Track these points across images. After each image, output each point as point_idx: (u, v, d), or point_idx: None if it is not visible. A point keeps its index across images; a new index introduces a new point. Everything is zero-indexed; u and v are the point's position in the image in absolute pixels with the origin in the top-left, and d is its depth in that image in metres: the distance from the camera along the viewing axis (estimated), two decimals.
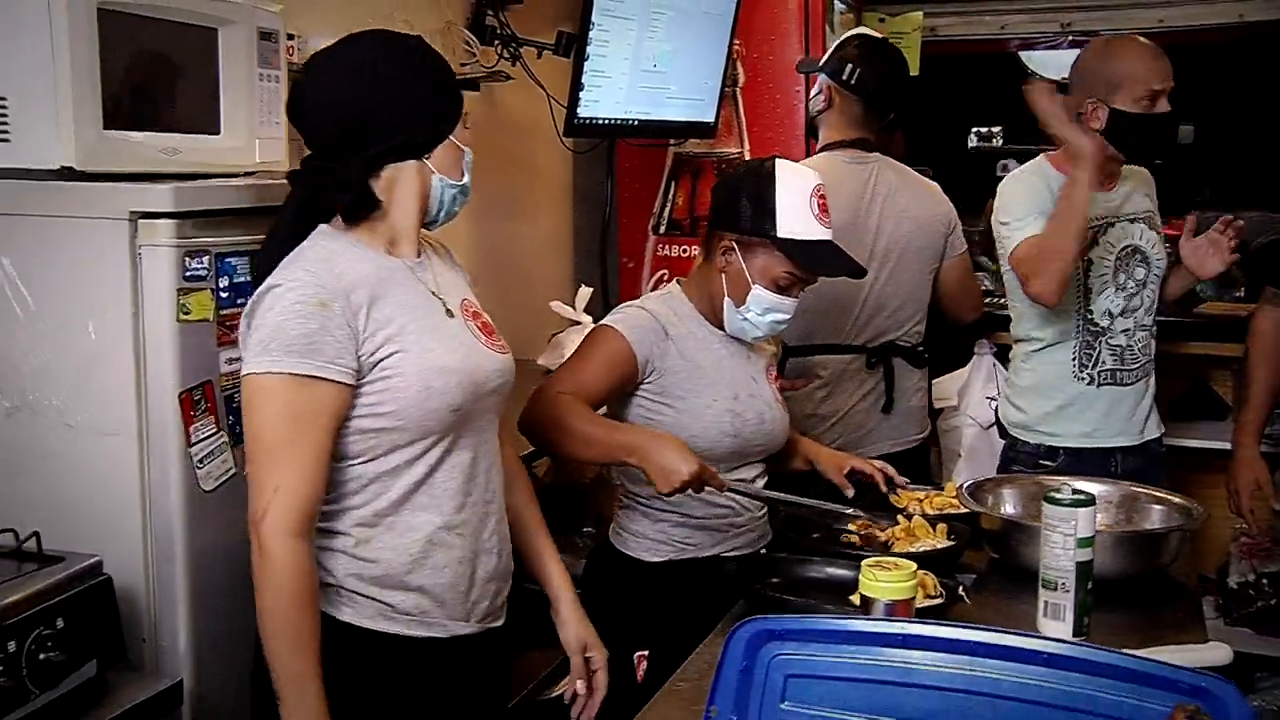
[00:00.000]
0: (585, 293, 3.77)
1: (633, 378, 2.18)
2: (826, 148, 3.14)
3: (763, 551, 2.31)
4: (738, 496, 2.23)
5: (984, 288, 3.71)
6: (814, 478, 2.44)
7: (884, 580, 1.63)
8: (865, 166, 3.08)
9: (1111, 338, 2.81)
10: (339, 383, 1.62)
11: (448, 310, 1.80)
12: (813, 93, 3.21)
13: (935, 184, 3.24)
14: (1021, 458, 2.93)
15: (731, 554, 2.26)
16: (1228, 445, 3.89)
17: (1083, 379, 2.83)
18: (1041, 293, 2.66)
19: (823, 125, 3.17)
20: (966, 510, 2.30)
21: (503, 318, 3.98)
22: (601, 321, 2.22)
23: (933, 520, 2.30)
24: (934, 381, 3.93)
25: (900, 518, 2.32)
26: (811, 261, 2.20)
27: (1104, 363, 2.82)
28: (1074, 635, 1.88)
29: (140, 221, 1.81)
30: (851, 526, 2.30)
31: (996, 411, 3.19)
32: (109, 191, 1.81)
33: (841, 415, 3.03)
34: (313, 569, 1.61)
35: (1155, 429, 2.93)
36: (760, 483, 2.35)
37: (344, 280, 1.66)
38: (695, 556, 2.25)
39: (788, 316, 2.23)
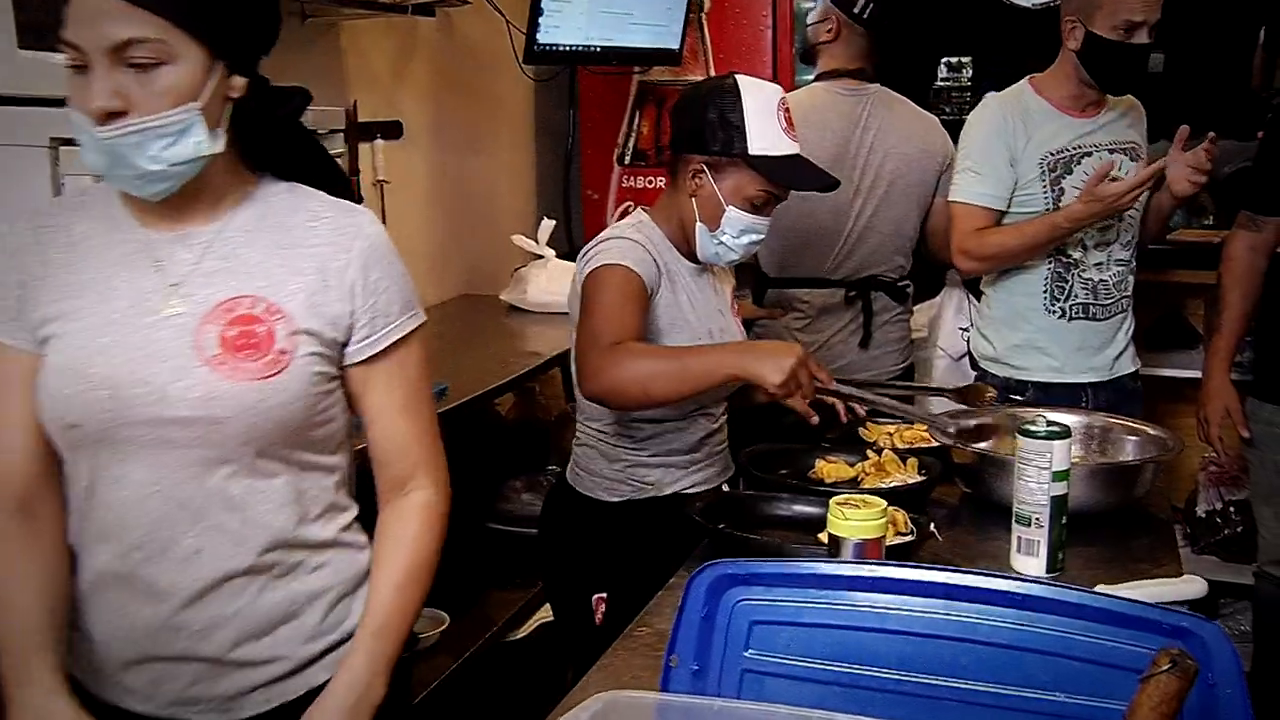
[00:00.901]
0: (548, 226, 3.68)
1: (646, 308, 2.06)
2: (823, 76, 3.05)
3: (725, 487, 2.24)
4: (701, 423, 2.18)
5: None
6: (776, 410, 2.36)
7: (853, 518, 1.56)
8: (858, 98, 2.99)
9: (1084, 271, 2.76)
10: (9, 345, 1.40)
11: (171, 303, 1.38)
12: (813, 19, 3.08)
13: (934, 118, 3.15)
14: (994, 388, 2.88)
15: (693, 490, 2.18)
16: (1200, 374, 3.88)
17: (1054, 312, 2.79)
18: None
19: (823, 54, 3.05)
20: (937, 444, 2.24)
21: (463, 253, 3.99)
22: (599, 261, 2.04)
23: (903, 455, 2.24)
24: None
25: (870, 452, 2.26)
26: (785, 177, 2.11)
27: (1076, 296, 2.77)
28: (1048, 571, 1.82)
29: (62, 149, 1.70)
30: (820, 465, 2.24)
31: (968, 344, 3.15)
32: (26, 116, 1.71)
33: (818, 347, 2.96)
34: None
35: (1130, 364, 2.90)
36: (722, 419, 2.29)
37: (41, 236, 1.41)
38: (655, 495, 2.17)
39: (762, 236, 2.14)
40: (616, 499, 2.18)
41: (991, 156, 2.73)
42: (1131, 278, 2.85)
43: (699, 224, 2.11)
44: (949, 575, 1.19)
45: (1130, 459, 2.18)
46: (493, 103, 4.14)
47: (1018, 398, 2.81)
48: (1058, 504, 1.80)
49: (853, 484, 2.18)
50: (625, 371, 1.91)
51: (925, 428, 2.45)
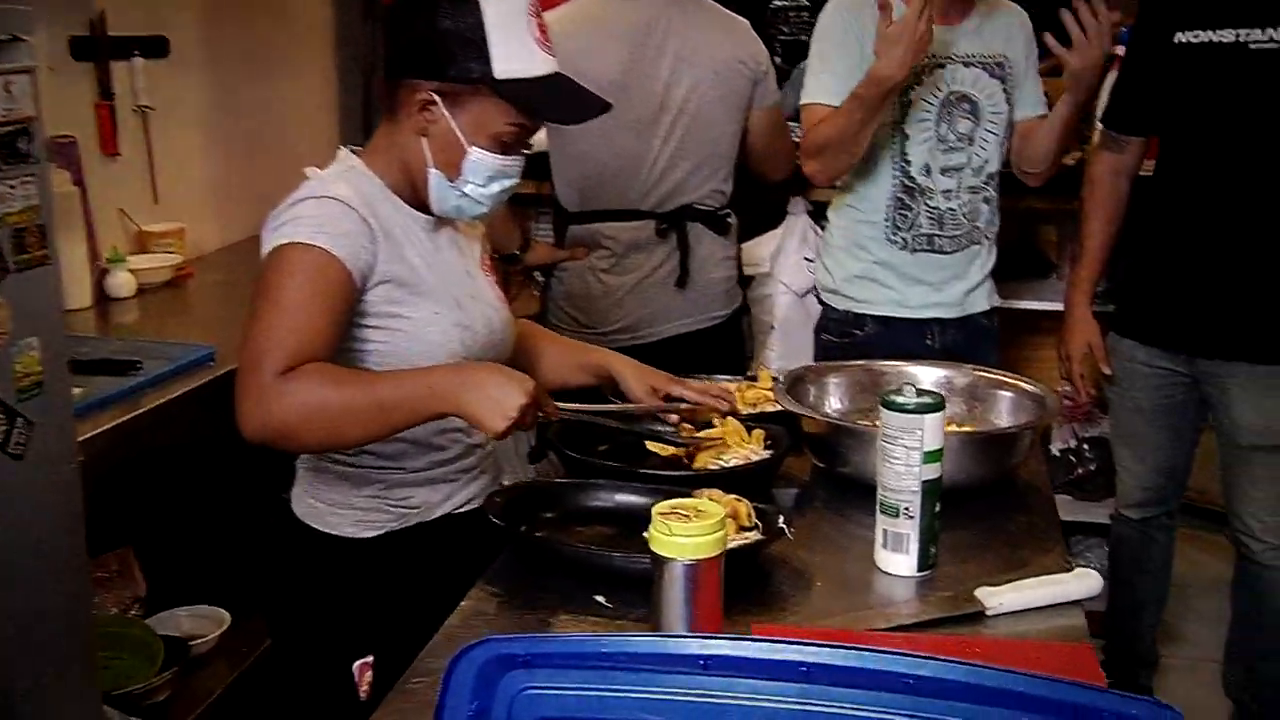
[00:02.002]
0: (347, 155, 3.25)
1: (350, 306, 1.58)
2: None
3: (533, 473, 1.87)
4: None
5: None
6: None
7: (682, 534, 1.22)
8: (647, 2, 2.59)
9: (930, 199, 2.51)
10: None
11: None
12: None
13: (745, 22, 2.78)
14: (830, 325, 2.69)
15: (469, 505, 1.76)
16: (1055, 306, 3.67)
17: (895, 242, 2.55)
18: (814, 175, 2.53)
19: None
20: (783, 409, 1.91)
21: (251, 189, 3.52)
22: (285, 237, 1.55)
23: (747, 423, 1.91)
24: (743, 246, 3.57)
25: (716, 417, 1.93)
26: (543, 105, 1.65)
27: (920, 226, 2.53)
28: (919, 570, 1.52)
29: None
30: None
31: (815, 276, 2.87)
32: None
33: (629, 290, 2.60)
34: None
35: (984, 302, 2.66)
36: None
37: None
38: (423, 521, 1.73)
39: (516, 181, 1.69)
40: (372, 533, 1.70)
41: (840, 55, 2.45)
42: (986, 208, 2.59)
43: (432, 171, 1.64)
44: (809, 651, 0.85)
45: (1004, 423, 1.89)
46: (282, 16, 3.71)
47: (856, 332, 2.59)
48: (930, 490, 1.50)
49: (687, 461, 1.85)
50: (295, 409, 1.45)
51: (769, 385, 2.14)
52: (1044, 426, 1.80)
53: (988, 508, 1.72)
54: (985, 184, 2.56)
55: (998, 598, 1.43)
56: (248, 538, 1.90)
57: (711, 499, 1.59)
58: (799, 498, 1.82)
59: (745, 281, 3.57)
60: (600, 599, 1.46)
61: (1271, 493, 2.64)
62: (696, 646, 0.86)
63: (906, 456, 1.48)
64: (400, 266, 1.63)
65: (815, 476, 1.88)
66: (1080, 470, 3.73)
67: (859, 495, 1.75)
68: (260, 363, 1.47)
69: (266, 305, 1.51)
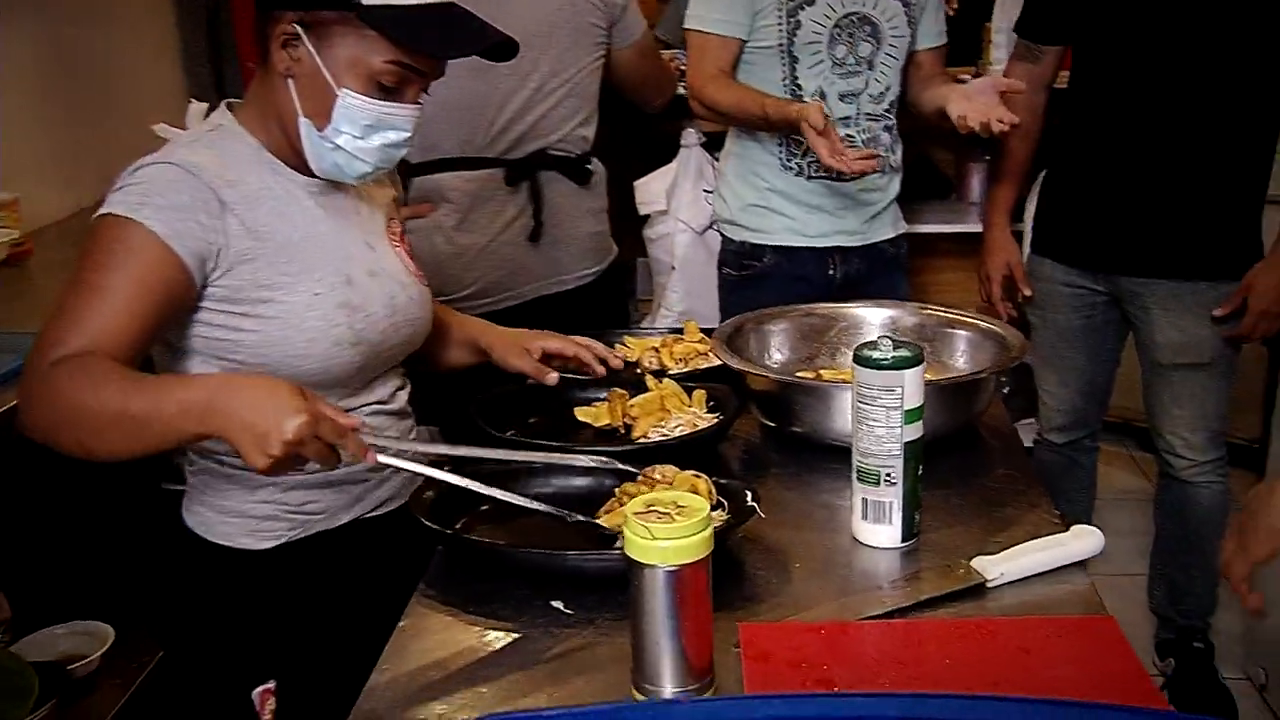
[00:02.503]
0: (198, 109, 2.92)
1: (186, 294, 1.35)
2: None
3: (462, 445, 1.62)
4: (378, 393, 1.53)
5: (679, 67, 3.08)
6: (487, 374, 1.78)
7: (665, 537, 1.05)
8: None
9: None
10: None
11: None
12: None
13: None
14: (729, 258, 2.55)
15: (381, 509, 1.55)
16: (955, 227, 3.58)
17: (791, 169, 2.42)
18: (702, 119, 2.48)
19: None
20: (721, 363, 1.74)
21: (88, 151, 3.18)
22: (111, 206, 1.33)
23: (685, 384, 1.73)
24: (636, 184, 3.39)
25: (650, 378, 1.75)
26: (428, 38, 1.40)
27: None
28: (903, 540, 1.38)
29: None
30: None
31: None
32: None
33: (481, 250, 2.34)
34: None
35: (888, 229, 2.55)
36: (402, 397, 1.63)
37: None
38: (327, 528, 1.51)
39: (408, 135, 1.44)
40: (269, 543, 1.48)
41: None
42: (887, 136, 2.46)
43: (301, 120, 1.40)
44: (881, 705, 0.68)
45: (963, 366, 1.75)
46: None
47: (754, 263, 2.46)
48: (913, 452, 1.35)
49: (623, 433, 1.67)
50: (50, 408, 1.25)
51: (698, 338, 1.97)
52: (1007, 367, 1.65)
53: (960, 462, 1.58)
54: (886, 112, 2.43)
55: (997, 567, 1.29)
56: (126, 540, 1.66)
57: (664, 476, 1.43)
58: (751, 463, 1.66)
59: (640, 220, 3.41)
60: (559, 605, 1.28)
61: (1194, 410, 2.61)
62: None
63: (886, 417, 1.33)
64: (269, 242, 1.39)
65: (765, 437, 1.72)
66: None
67: (816, 456, 1.61)
68: (42, 349, 1.27)
69: (70, 284, 1.30)
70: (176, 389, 1.25)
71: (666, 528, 1.05)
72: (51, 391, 1.24)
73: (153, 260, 1.30)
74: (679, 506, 1.08)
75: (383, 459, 1.29)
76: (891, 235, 2.54)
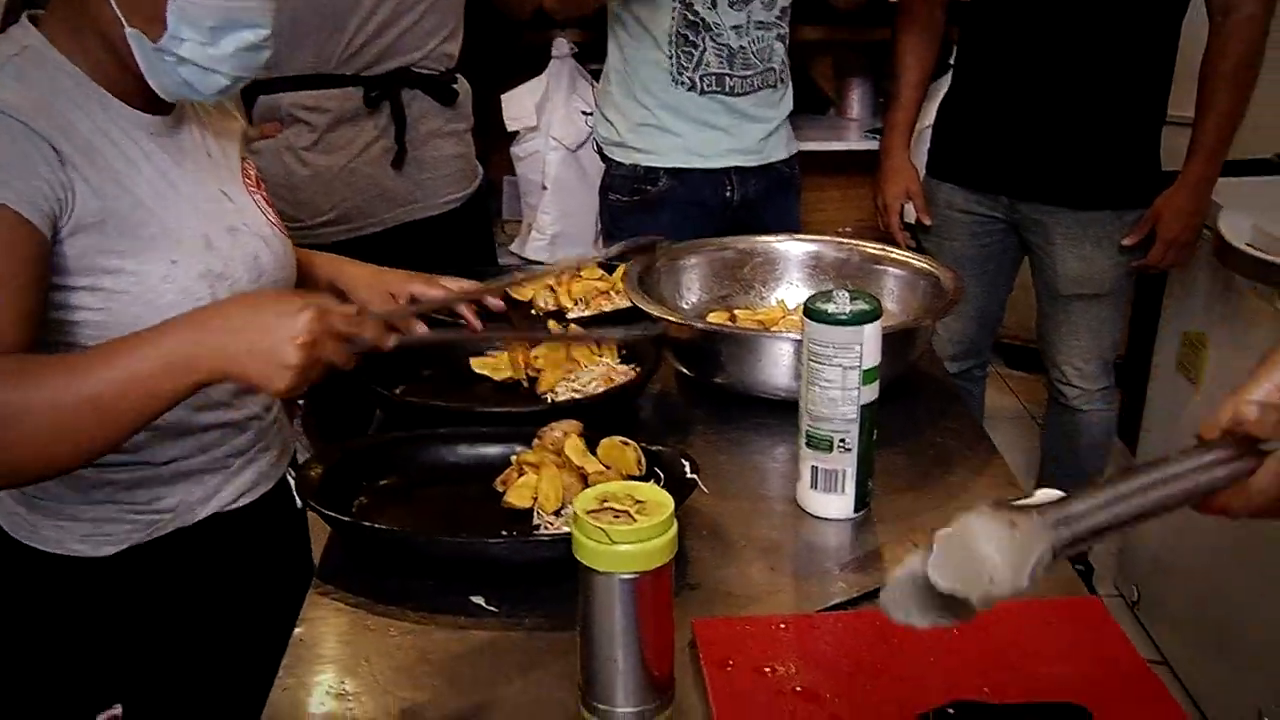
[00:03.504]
0: None
1: (42, 269, 1.09)
2: None
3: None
4: (226, 394, 1.28)
5: None
6: None
7: (626, 540, 0.89)
8: None
9: (719, 34, 2.23)
10: None
11: None
12: None
13: None
14: (617, 183, 2.38)
15: (243, 500, 1.33)
16: (834, 145, 3.47)
17: (683, 83, 2.26)
18: (553, 12, 2.32)
19: None
20: (633, 305, 1.57)
21: None
22: None
23: (588, 328, 1.57)
24: (504, 97, 3.17)
25: (553, 324, 1.58)
26: None
27: (708, 65, 2.25)
28: (856, 510, 1.25)
29: None
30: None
31: (592, 130, 2.52)
32: None
33: (338, 173, 2.10)
34: None
35: (783, 149, 2.41)
36: None
37: None
38: (181, 526, 1.26)
39: (266, 32, 1.18)
40: (111, 548, 1.23)
41: None
42: (780, 46, 2.33)
43: (130, 32, 1.12)
44: None
45: (894, 307, 1.61)
46: None
47: (648, 188, 2.30)
48: (867, 416, 1.21)
49: (529, 389, 1.50)
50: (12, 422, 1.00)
51: (598, 275, 1.80)
52: (949, 311, 1.53)
53: (901, 417, 1.46)
54: (778, 19, 2.29)
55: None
56: None
57: (565, 433, 1.27)
58: (671, 420, 1.51)
59: (509, 137, 3.20)
60: (480, 600, 1.12)
61: (1089, 340, 2.58)
62: None
63: (843, 378, 1.19)
64: (115, 202, 1.13)
65: (682, 388, 1.57)
66: None
67: (743, 410, 1.47)
68: None
69: None
70: (141, 348, 1.02)
71: (626, 530, 0.89)
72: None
73: (13, 236, 1.04)
74: (637, 502, 0.92)
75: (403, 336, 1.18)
76: (785, 155, 2.42)
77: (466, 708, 0.99)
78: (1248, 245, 2.22)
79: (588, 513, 0.91)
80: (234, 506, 1.31)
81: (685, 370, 1.55)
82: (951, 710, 0.92)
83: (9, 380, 0.99)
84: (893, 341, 1.46)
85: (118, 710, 1.21)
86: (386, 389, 1.46)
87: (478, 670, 1.03)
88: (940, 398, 1.56)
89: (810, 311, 1.19)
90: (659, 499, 0.92)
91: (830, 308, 1.18)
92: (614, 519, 0.90)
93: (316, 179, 2.11)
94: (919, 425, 1.46)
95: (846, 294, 1.19)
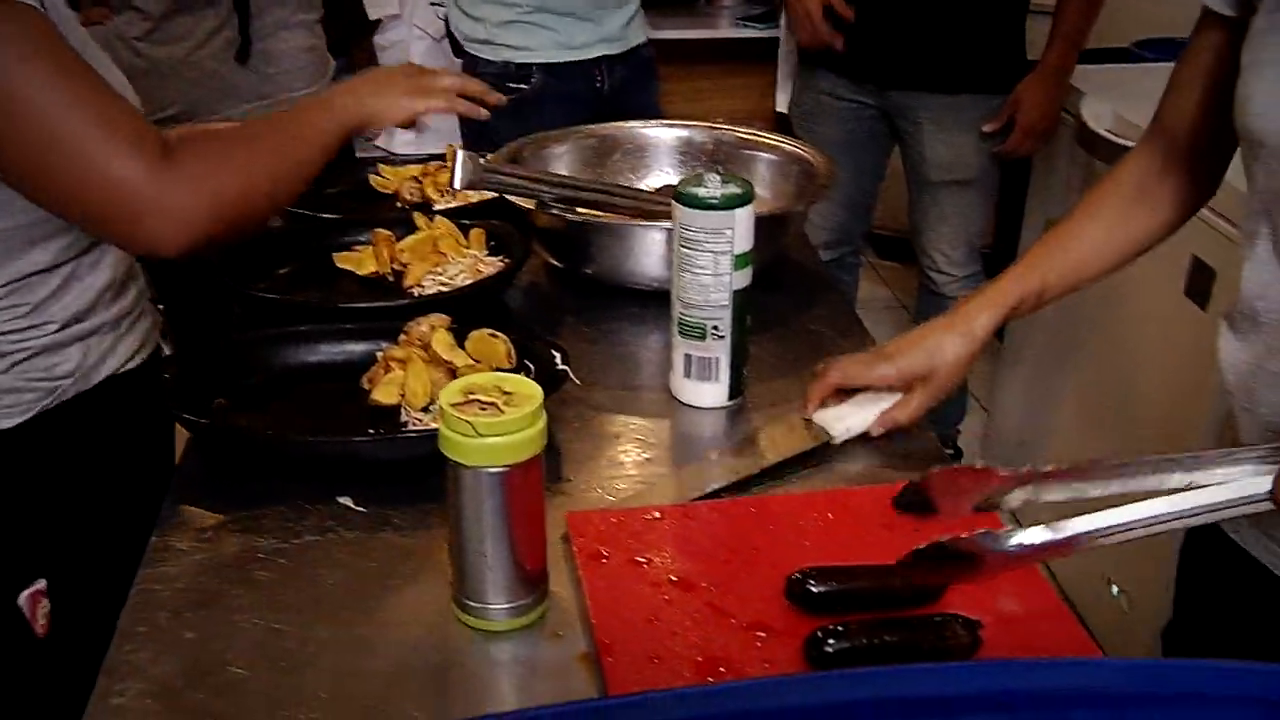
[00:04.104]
0: None
1: None
2: None
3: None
4: (115, 258, 1.23)
5: None
6: None
7: (493, 433, 0.86)
8: None
9: None
10: None
11: None
12: None
13: None
14: (486, 80, 2.25)
15: (136, 360, 1.28)
16: (706, 34, 3.43)
17: None
18: None
19: None
20: (497, 196, 1.53)
21: None
22: None
23: (459, 221, 1.52)
24: None
25: (419, 216, 1.52)
26: None
27: None
28: (730, 399, 1.24)
29: None
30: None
31: (447, 22, 2.44)
32: None
33: (176, 66, 2.02)
34: None
35: (640, 33, 2.39)
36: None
37: None
38: (82, 390, 1.21)
39: None
40: (14, 419, 1.17)
41: None
42: None
43: None
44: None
45: (766, 193, 1.60)
46: None
47: (520, 85, 2.24)
48: (741, 302, 1.20)
49: (394, 282, 1.45)
50: (206, 188, 1.07)
51: None
52: (823, 196, 1.52)
53: (774, 304, 1.45)
54: None
55: (841, 422, 1.17)
56: None
57: (432, 327, 1.23)
58: (541, 312, 1.47)
59: (370, 26, 3.08)
60: (348, 501, 1.08)
61: (958, 226, 2.62)
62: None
63: (715, 264, 1.17)
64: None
65: (551, 280, 1.54)
66: None
67: (614, 300, 1.45)
68: (118, 153, 1.02)
69: (44, 80, 0.99)
70: (307, 110, 1.27)
71: (493, 422, 0.86)
72: (200, 170, 1.07)
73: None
74: (504, 394, 0.89)
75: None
76: (644, 39, 2.40)
77: (336, 610, 0.96)
78: (1108, 131, 2.25)
79: (453, 406, 0.88)
80: (129, 367, 1.26)
81: (555, 262, 1.52)
82: (812, 582, 0.92)
83: (215, 144, 1.13)
84: (765, 227, 1.44)
85: (41, 585, 1.16)
86: (245, 286, 1.40)
87: (346, 572, 1.00)
88: (813, 285, 1.55)
89: (681, 196, 1.16)
90: (527, 390, 0.90)
91: (701, 192, 1.15)
92: (480, 411, 0.87)
93: (154, 72, 2.01)
94: (792, 312, 1.45)
95: (718, 177, 1.16)
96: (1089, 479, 0.85)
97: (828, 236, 2.76)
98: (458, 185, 1.34)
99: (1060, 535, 0.79)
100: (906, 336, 1.16)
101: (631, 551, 0.99)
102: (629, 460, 1.16)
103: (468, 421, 0.86)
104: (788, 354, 1.36)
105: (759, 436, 1.18)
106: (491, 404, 0.88)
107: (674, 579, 0.96)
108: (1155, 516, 0.78)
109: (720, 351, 1.21)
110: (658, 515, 1.05)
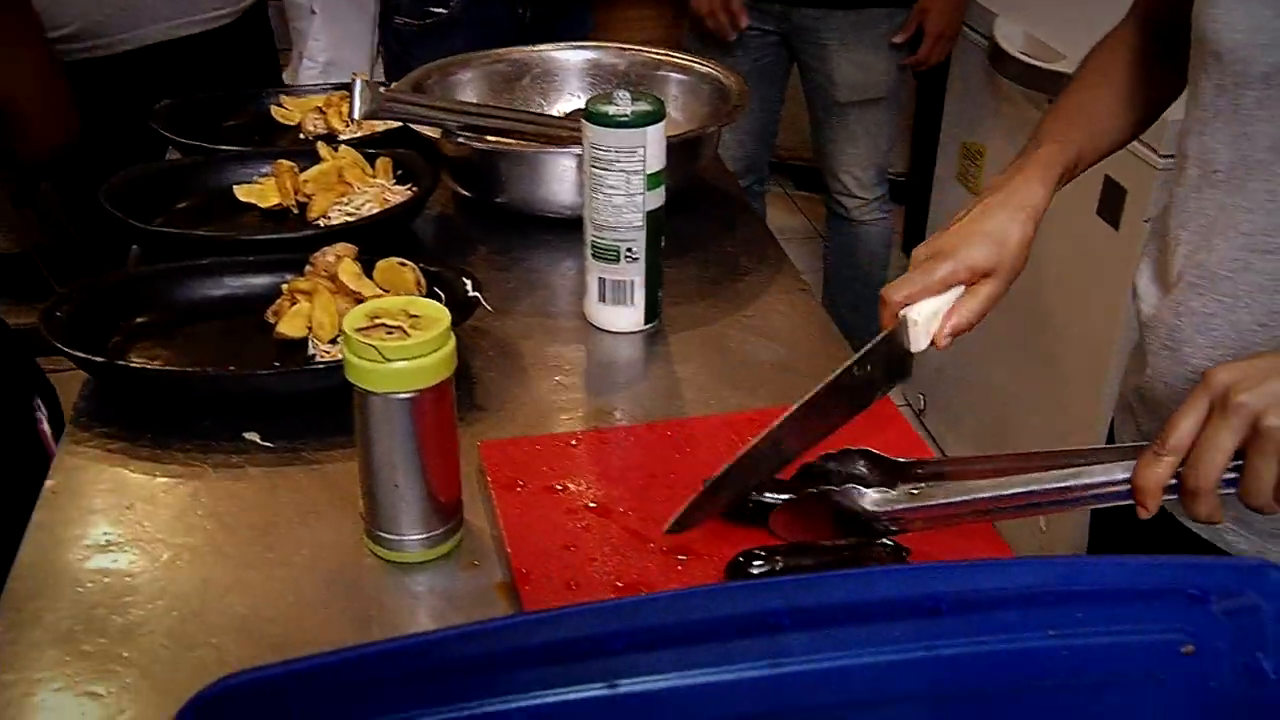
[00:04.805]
0: None
1: None
2: None
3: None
4: None
5: None
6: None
7: (399, 357, 0.83)
8: None
9: None
10: None
11: None
12: None
13: None
14: (406, 6, 2.28)
15: None
16: None
17: None
18: None
19: None
20: (403, 124, 1.48)
21: None
22: None
23: (364, 151, 1.47)
24: None
25: (322, 146, 1.47)
26: None
27: None
28: (646, 322, 1.22)
29: None
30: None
31: None
32: None
33: None
34: None
35: None
36: None
37: None
38: None
39: None
40: None
41: None
42: None
43: None
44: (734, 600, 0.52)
45: (680, 115, 1.56)
46: None
47: (439, 10, 2.21)
48: (656, 223, 1.17)
49: (302, 219, 1.41)
50: None
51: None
52: (736, 117, 1.49)
53: (690, 228, 1.42)
54: None
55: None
56: None
57: (338, 257, 1.20)
58: (452, 242, 1.44)
59: None
60: (254, 437, 1.05)
61: (865, 147, 2.63)
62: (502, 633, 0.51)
63: (626, 184, 1.14)
64: None
65: (461, 209, 1.50)
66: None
67: (527, 229, 1.41)
68: None
69: None
70: None
71: (399, 345, 0.83)
72: None
73: None
74: (411, 316, 0.86)
75: None
76: None
77: (244, 548, 0.93)
78: (1021, 53, 2.25)
79: (358, 331, 0.84)
80: None
81: (465, 192, 1.48)
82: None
83: None
84: (679, 149, 1.42)
85: None
86: (141, 221, 1.34)
87: (254, 509, 0.97)
88: (729, 208, 1.53)
89: (590, 114, 1.13)
90: (434, 313, 0.86)
91: (611, 110, 1.12)
92: (386, 336, 0.84)
93: None
94: (709, 236, 1.43)
95: (628, 95, 1.13)
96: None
97: (736, 166, 2.74)
98: (356, 114, 1.29)
99: (923, 504, 0.85)
100: (961, 223, 0.99)
101: (547, 478, 0.97)
102: (544, 387, 1.14)
103: (373, 346, 0.83)
104: (705, 276, 1.34)
105: (675, 360, 1.16)
106: (398, 328, 0.85)
107: (592, 505, 0.95)
108: (1022, 494, 0.80)
109: (634, 274, 1.18)
110: (574, 442, 1.03)
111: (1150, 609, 0.57)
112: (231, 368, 1.11)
